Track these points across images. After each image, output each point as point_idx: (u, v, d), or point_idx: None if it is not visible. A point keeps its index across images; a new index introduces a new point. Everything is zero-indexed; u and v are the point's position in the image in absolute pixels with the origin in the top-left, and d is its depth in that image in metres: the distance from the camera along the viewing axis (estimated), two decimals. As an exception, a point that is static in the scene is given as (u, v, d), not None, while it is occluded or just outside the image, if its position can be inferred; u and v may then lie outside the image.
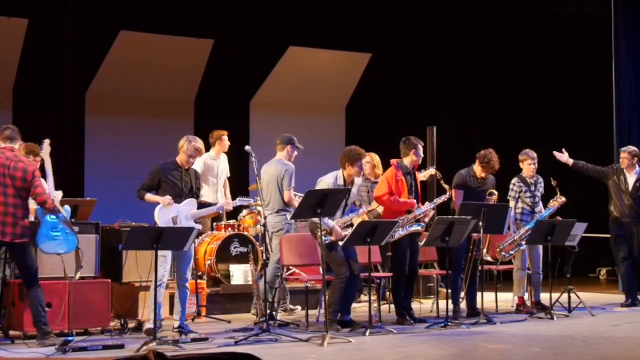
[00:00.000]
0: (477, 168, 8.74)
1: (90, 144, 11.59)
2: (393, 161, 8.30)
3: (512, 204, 9.00)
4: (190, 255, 7.51)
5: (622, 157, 9.72)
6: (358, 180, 8.08)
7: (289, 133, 11.63)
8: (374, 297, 8.11)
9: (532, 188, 9.10)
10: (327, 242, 7.43)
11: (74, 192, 9.53)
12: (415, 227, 8.07)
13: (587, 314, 8.77)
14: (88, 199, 8.13)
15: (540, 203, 9.15)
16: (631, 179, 9.62)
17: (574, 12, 12.94)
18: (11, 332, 7.13)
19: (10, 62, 11.09)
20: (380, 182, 8.25)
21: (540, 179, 9.19)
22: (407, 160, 8.25)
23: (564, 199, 9.05)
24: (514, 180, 9.13)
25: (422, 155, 8.43)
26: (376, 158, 9.38)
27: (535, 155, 9.14)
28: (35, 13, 10.96)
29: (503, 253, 8.97)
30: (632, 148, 9.77)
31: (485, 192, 8.75)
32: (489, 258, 9.07)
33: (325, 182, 7.72)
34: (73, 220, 7.69)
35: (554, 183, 9.05)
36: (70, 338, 6.71)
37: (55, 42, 11.20)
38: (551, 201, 9.11)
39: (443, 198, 8.46)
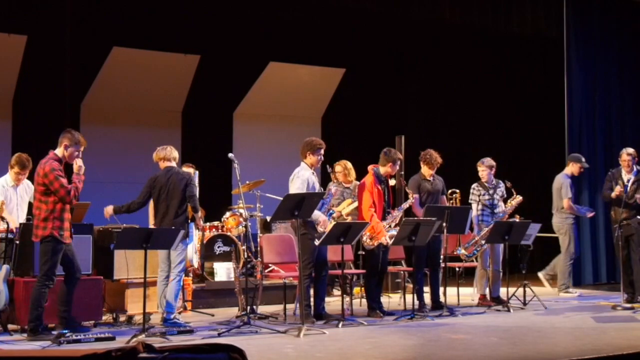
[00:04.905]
0: (424, 169, 8.77)
1: (85, 152, 11.42)
2: (370, 168, 8.30)
3: (474, 207, 9.05)
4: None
5: (622, 159, 9.22)
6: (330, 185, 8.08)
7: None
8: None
9: (491, 192, 9.14)
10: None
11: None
12: (392, 233, 8.09)
13: (541, 307, 8.81)
14: (82, 202, 8.05)
15: (501, 205, 9.20)
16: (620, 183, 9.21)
17: (531, 32, 13.06)
18: (10, 326, 7.05)
19: (10, 76, 11.00)
20: (364, 193, 8.17)
21: (501, 183, 9.25)
22: (383, 170, 8.23)
23: (520, 198, 9.13)
24: (474, 185, 9.18)
25: (398, 169, 8.44)
26: (349, 165, 9.40)
27: (491, 164, 9.16)
28: (34, 30, 10.88)
29: (466, 253, 9.00)
30: (631, 149, 9.31)
31: (438, 192, 8.78)
32: (463, 251, 9.09)
33: (299, 177, 7.69)
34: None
35: (508, 185, 9.14)
36: (65, 331, 6.65)
37: (52, 57, 11.12)
38: (509, 201, 9.18)
39: (409, 202, 8.47)
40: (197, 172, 7.95)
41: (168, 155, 7.64)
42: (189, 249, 7.61)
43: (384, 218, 8.16)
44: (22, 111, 11.20)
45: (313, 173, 7.80)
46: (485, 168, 9.12)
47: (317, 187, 7.79)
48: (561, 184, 10.14)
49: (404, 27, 13.05)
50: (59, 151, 6.93)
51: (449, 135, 13.44)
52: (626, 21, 12.56)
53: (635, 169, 8.94)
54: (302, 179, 7.66)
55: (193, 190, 7.54)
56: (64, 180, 6.73)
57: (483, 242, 8.93)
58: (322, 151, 7.83)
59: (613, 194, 8.96)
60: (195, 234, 8.06)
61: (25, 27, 10.85)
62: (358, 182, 9.23)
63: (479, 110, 14.06)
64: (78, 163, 6.92)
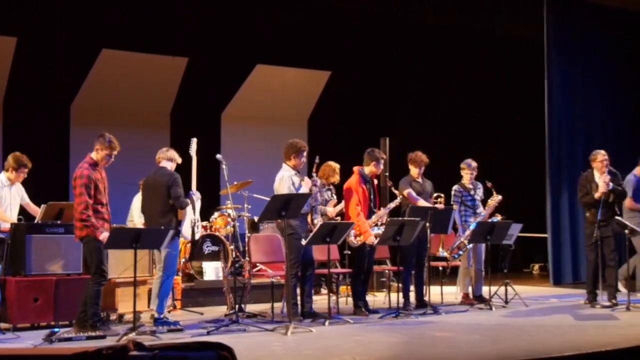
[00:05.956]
0: (412, 170, 8.82)
1: (75, 153, 11.46)
2: (356, 168, 8.35)
3: (455, 208, 9.11)
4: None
5: (599, 160, 8.82)
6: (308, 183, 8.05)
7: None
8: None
9: (472, 193, 9.22)
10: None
11: (60, 197, 9.46)
12: (377, 231, 8.15)
13: (522, 305, 8.90)
14: (72, 202, 8.05)
15: (481, 205, 9.27)
16: (602, 183, 8.73)
17: (514, 34, 13.18)
18: (2, 325, 7.05)
19: (0, 78, 10.96)
20: (350, 193, 8.23)
21: (479, 185, 9.31)
22: (367, 170, 8.31)
23: (500, 197, 9.20)
24: (455, 187, 9.22)
25: (382, 168, 8.50)
26: (334, 166, 9.44)
27: (474, 165, 9.25)
28: (23, 32, 10.85)
29: (453, 255, 9.06)
30: (603, 151, 8.95)
31: (427, 194, 8.84)
32: (446, 254, 9.17)
33: (285, 180, 7.73)
34: (59, 222, 7.66)
35: (489, 185, 9.21)
36: (56, 329, 6.66)
37: (42, 59, 11.09)
38: (489, 201, 9.24)
39: (395, 203, 8.56)
40: (194, 139, 7.78)
41: (159, 156, 7.62)
42: (187, 223, 7.47)
43: (369, 217, 8.22)
44: (12, 112, 11.16)
45: (296, 174, 7.84)
46: (471, 170, 9.18)
47: (302, 187, 7.83)
48: (624, 183, 9.43)
49: (389, 30, 13.12)
50: (94, 155, 6.94)
51: (434, 138, 13.50)
52: (606, 25, 12.66)
53: (607, 170, 8.91)
54: (287, 182, 7.71)
55: (177, 191, 7.30)
56: (85, 194, 6.71)
57: (466, 241, 8.99)
58: (305, 153, 7.89)
59: (597, 195, 8.68)
60: (197, 203, 7.79)
61: (15, 29, 10.82)
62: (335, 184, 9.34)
63: (465, 112, 14.13)
64: (103, 236, 6.75)
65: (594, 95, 12.57)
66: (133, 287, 6.80)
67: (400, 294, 8.40)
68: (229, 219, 9.58)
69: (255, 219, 9.64)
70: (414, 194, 8.66)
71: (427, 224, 8.31)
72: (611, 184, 8.66)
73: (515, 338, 6.75)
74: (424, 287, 8.71)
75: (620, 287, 9.42)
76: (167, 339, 6.61)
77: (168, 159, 7.56)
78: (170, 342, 5.34)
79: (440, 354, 6.16)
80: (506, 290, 9.07)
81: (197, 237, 7.92)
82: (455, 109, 14.13)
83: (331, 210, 8.99)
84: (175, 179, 7.38)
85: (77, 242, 6.95)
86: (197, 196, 7.57)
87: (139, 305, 7.17)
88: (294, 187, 7.70)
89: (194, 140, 7.71)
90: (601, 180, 8.70)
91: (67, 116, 11.65)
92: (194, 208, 7.51)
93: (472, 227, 8.93)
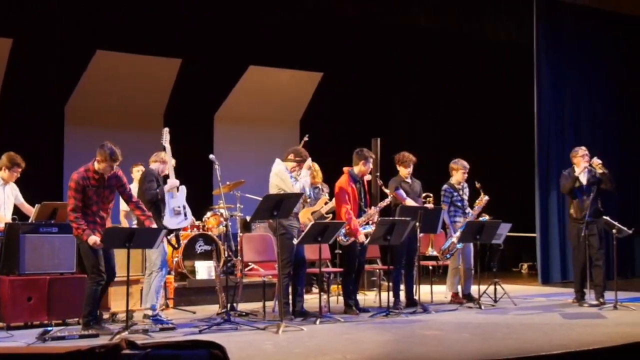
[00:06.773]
0: (401, 171, 8.82)
1: (69, 153, 11.45)
2: (345, 169, 8.36)
3: (445, 208, 9.10)
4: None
5: (580, 155, 8.92)
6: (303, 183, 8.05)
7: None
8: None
9: (461, 192, 9.22)
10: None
11: (54, 196, 9.42)
12: (367, 230, 8.14)
13: (511, 304, 8.89)
14: (66, 202, 8.01)
15: (467, 205, 9.28)
16: (584, 179, 8.89)
17: (503, 39, 13.19)
18: (-4, 324, 7.03)
19: (-4, 78, 10.94)
20: (339, 193, 8.24)
21: (465, 184, 9.30)
22: (357, 169, 8.31)
23: (487, 197, 9.19)
24: (445, 187, 9.19)
25: (371, 167, 8.49)
26: (316, 167, 9.43)
27: (467, 166, 9.23)
28: (19, 33, 10.82)
29: (445, 255, 9.06)
30: (584, 147, 9.00)
31: (415, 194, 8.83)
32: (435, 253, 9.17)
33: (280, 172, 7.73)
34: (53, 221, 7.62)
35: (478, 185, 9.19)
36: (49, 328, 6.63)
37: (37, 60, 11.06)
38: (477, 201, 9.23)
39: (385, 202, 8.56)
40: (166, 129, 7.79)
41: (150, 160, 7.68)
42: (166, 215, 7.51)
43: (359, 216, 8.22)
44: (7, 113, 11.11)
45: (287, 169, 7.85)
46: (466, 171, 9.17)
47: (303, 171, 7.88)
48: None
49: (382, 32, 13.13)
50: (96, 165, 6.90)
51: (425, 138, 13.52)
52: (599, 27, 12.69)
53: (587, 168, 8.91)
54: (285, 173, 7.72)
55: (145, 184, 7.42)
56: (71, 197, 6.73)
57: (456, 241, 8.99)
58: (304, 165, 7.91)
59: (600, 170, 8.60)
60: (180, 192, 7.77)
61: (10, 30, 10.79)
62: (325, 184, 9.32)
63: (456, 113, 14.14)
64: (97, 243, 6.68)
65: (584, 96, 12.59)
66: (126, 286, 6.77)
67: (391, 293, 8.39)
68: (222, 219, 9.56)
69: (248, 218, 9.62)
70: (402, 193, 8.66)
71: (417, 224, 8.30)
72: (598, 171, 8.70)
73: (504, 336, 6.74)
74: (414, 286, 8.71)
75: None
76: (160, 337, 6.58)
77: (155, 162, 7.66)
78: (162, 341, 5.32)
79: (430, 352, 6.15)
80: (495, 289, 9.08)
81: (187, 223, 7.89)
82: (446, 110, 14.14)
83: (322, 209, 8.99)
84: (148, 174, 7.53)
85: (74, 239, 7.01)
86: (173, 183, 7.53)
87: (132, 304, 7.14)
88: (292, 180, 7.74)
89: (166, 130, 7.70)
90: (578, 177, 8.73)
91: (61, 116, 11.62)
92: (164, 200, 7.46)
93: (462, 227, 8.93)
